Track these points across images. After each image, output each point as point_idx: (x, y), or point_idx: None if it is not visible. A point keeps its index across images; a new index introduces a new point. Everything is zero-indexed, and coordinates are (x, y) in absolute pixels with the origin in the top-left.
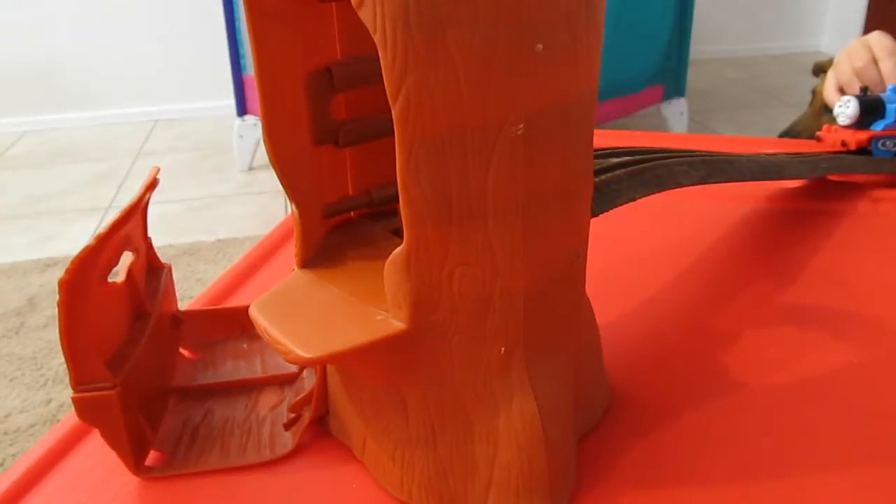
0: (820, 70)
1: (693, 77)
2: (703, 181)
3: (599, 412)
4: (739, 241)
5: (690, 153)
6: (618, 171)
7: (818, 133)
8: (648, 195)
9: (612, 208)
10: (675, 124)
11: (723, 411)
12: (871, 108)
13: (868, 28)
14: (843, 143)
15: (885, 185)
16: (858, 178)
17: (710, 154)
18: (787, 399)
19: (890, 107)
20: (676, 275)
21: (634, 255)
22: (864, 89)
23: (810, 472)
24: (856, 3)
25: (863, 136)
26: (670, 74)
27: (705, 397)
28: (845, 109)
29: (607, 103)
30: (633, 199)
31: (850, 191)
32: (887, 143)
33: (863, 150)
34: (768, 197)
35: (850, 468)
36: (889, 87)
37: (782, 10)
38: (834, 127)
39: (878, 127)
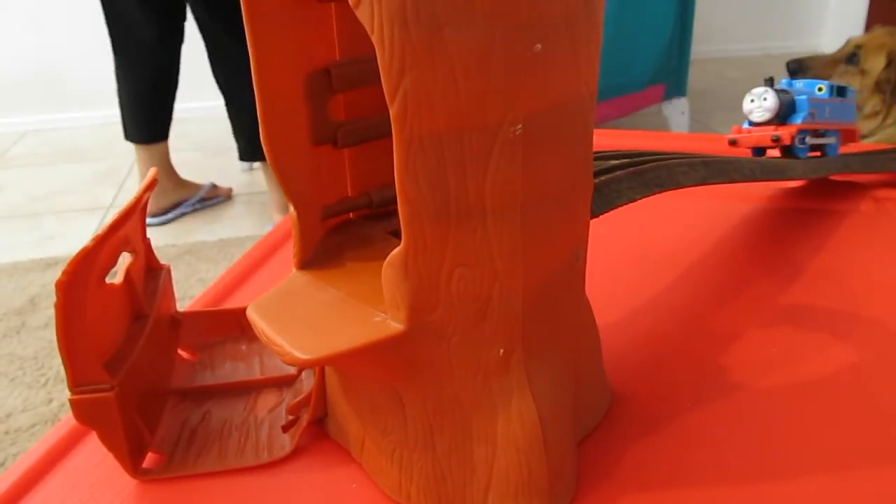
0: (799, 69)
1: (694, 77)
2: (703, 182)
3: (599, 414)
4: (740, 241)
5: (691, 156)
6: (618, 172)
7: (730, 136)
8: (648, 196)
9: (612, 209)
10: (676, 124)
11: (723, 412)
12: (787, 101)
13: (869, 28)
14: (776, 140)
15: (887, 184)
16: (860, 177)
17: (711, 156)
18: (788, 399)
19: (800, 99)
20: (677, 275)
21: (634, 256)
22: (770, 80)
23: (811, 473)
24: (856, 3)
25: (793, 129)
26: (671, 74)
27: (706, 398)
28: (762, 102)
29: (608, 103)
30: (634, 200)
31: (852, 190)
32: (807, 138)
33: (785, 148)
34: (769, 197)
35: (850, 468)
36: (782, 81)
37: (783, 10)
38: (746, 128)
39: (796, 121)
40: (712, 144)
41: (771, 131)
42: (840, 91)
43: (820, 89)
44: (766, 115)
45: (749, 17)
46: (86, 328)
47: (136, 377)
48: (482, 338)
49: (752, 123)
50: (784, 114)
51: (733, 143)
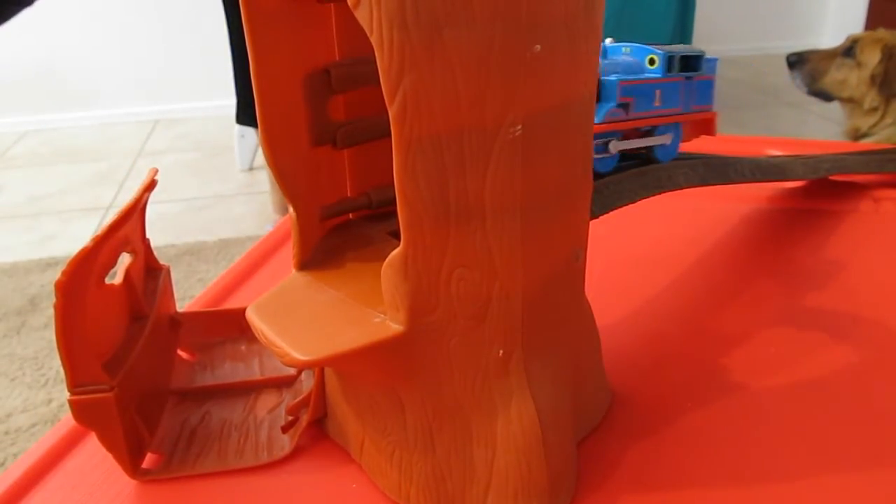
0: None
1: None
2: (703, 183)
3: (599, 414)
4: (739, 241)
5: (691, 156)
6: (618, 174)
7: None
8: (648, 197)
9: (612, 210)
10: None
11: (723, 413)
12: None
13: (869, 28)
14: None
15: (886, 184)
16: (860, 177)
17: (711, 156)
18: (788, 400)
19: (608, 81)
20: (676, 276)
21: (634, 257)
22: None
23: (810, 473)
24: (856, 3)
25: None
26: None
27: (705, 399)
28: None
29: None
30: (634, 201)
31: (851, 190)
32: (613, 143)
33: None
34: (769, 197)
35: (850, 468)
36: (606, 40)
37: (782, 10)
38: None
39: (596, 116)
40: (712, 144)
41: None
42: (688, 63)
43: (652, 61)
44: None
45: (749, 17)
46: (85, 329)
47: (136, 377)
48: (482, 339)
49: None
50: None
51: None
